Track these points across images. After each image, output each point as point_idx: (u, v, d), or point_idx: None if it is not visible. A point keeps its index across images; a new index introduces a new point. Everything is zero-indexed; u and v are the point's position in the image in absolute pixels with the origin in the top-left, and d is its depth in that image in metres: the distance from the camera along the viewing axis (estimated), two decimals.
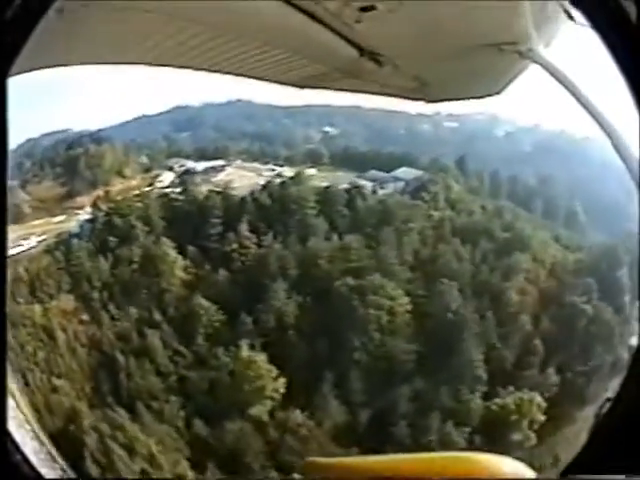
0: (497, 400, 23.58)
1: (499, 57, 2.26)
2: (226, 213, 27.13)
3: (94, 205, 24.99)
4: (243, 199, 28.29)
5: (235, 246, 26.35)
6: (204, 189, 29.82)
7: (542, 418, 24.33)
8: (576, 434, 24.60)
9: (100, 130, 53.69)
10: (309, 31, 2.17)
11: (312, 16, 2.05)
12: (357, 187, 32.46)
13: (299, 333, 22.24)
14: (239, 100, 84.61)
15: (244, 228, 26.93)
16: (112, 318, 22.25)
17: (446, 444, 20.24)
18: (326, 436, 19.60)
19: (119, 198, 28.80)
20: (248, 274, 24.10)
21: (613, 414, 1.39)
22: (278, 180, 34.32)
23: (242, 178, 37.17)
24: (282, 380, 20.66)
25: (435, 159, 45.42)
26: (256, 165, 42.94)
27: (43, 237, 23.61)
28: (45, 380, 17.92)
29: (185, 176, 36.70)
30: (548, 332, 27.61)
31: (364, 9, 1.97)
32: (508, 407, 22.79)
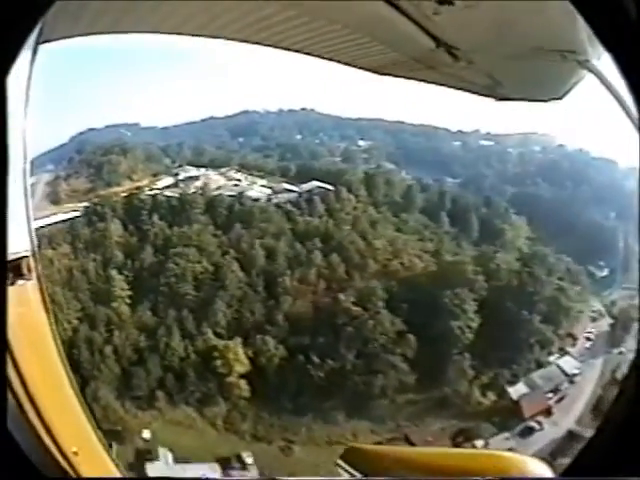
0: (220, 341, 45.51)
1: (562, 64, 2.73)
2: (150, 207, 57.55)
3: (89, 199, 59.33)
4: (161, 199, 57.90)
5: (149, 227, 56.69)
6: (151, 192, 60.77)
7: (241, 369, 43.18)
8: None
9: (165, 128, 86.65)
10: (390, 18, 2.60)
11: (393, 4, 2.52)
12: (241, 196, 57.44)
13: (148, 272, 51.27)
14: (303, 109, 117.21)
15: (156, 217, 56.89)
16: (83, 257, 55.86)
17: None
18: (134, 319, 48.13)
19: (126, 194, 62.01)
20: (143, 241, 54.25)
21: (613, 415, 1.60)
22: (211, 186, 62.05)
23: (213, 184, 65.95)
24: (129, 292, 50.26)
25: (352, 175, 63.62)
26: (229, 174, 70.27)
27: (66, 215, 58.92)
28: None
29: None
30: (300, 316, 46.46)
31: (441, 2, 2.36)
32: (217, 347, 44.69)
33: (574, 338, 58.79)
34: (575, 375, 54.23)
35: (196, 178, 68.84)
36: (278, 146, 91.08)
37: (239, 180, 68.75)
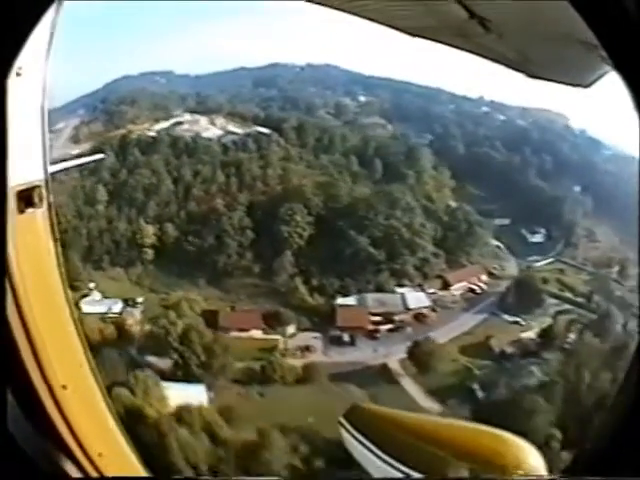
0: (144, 225, 73.66)
1: (588, 54, 2.95)
2: (135, 143, 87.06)
3: (95, 138, 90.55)
4: (144, 138, 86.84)
5: (130, 156, 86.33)
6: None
7: (150, 241, 72.03)
8: None
9: (198, 76, 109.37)
10: None
11: None
12: (196, 135, 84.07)
13: (120, 185, 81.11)
14: (327, 65, 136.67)
15: (136, 150, 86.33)
16: (85, 178, 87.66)
17: None
18: (105, 214, 78.18)
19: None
20: (123, 166, 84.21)
21: (613, 415, 1.77)
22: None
23: (195, 128, 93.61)
24: (106, 198, 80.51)
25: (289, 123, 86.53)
26: (215, 121, 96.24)
27: (83, 149, 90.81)
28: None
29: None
30: (194, 213, 72.95)
31: None
32: (141, 228, 72.90)
33: (446, 283, 68.56)
34: (422, 315, 62.39)
35: (182, 123, 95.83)
36: (283, 98, 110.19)
37: (214, 124, 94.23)
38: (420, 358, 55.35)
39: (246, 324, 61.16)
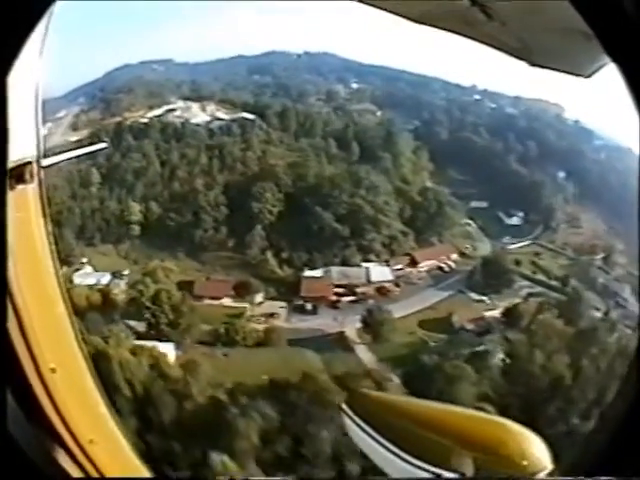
0: (132, 204, 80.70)
1: (588, 44, 2.94)
2: (128, 129, 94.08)
3: (93, 126, 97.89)
4: (136, 124, 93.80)
5: (124, 142, 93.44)
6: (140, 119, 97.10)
7: (136, 218, 79.15)
8: None
9: (197, 64, 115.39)
10: None
11: None
12: (185, 120, 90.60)
13: (113, 168, 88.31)
14: (325, 53, 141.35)
15: (129, 135, 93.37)
16: (81, 162, 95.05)
17: None
18: (98, 194, 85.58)
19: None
20: (116, 150, 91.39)
21: (613, 415, 1.79)
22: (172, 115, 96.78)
23: (186, 114, 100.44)
24: (100, 180, 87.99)
25: (273, 109, 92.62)
26: (207, 107, 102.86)
27: (81, 136, 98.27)
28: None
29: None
30: (177, 193, 79.34)
31: None
32: (129, 207, 79.91)
33: (413, 260, 71.84)
34: (385, 289, 65.27)
35: (175, 110, 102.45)
36: (277, 85, 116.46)
37: (205, 110, 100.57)
38: (376, 328, 58.77)
39: (218, 292, 67.58)
